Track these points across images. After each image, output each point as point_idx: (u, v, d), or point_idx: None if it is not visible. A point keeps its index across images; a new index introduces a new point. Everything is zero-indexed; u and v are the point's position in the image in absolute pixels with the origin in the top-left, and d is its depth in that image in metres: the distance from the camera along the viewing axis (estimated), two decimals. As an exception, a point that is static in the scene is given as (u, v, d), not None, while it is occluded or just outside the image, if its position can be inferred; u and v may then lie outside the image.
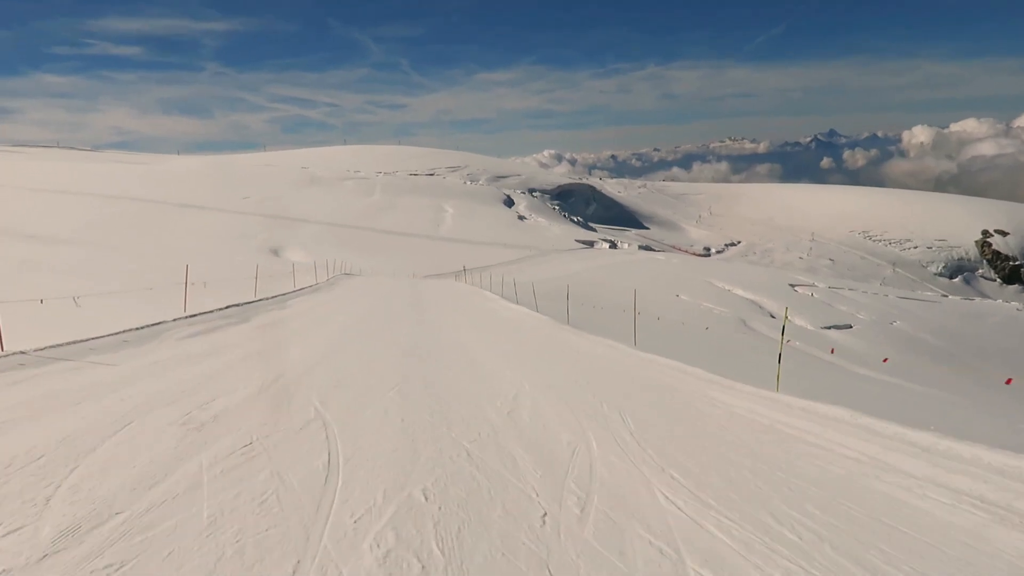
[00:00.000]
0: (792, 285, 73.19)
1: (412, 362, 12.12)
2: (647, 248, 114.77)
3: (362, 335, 16.14)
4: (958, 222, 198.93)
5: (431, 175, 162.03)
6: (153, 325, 13.35)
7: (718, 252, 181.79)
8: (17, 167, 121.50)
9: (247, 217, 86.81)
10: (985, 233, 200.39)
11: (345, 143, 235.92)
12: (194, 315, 16.23)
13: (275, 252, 65.51)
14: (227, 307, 18.83)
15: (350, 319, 19.83)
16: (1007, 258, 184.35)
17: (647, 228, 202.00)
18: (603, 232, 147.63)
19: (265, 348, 12.78)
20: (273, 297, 23.99)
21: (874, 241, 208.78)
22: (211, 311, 17.40)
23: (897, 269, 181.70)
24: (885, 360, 33.86)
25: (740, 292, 64.25)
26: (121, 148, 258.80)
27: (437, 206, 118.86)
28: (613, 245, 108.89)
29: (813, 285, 75.82)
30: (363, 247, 77.21)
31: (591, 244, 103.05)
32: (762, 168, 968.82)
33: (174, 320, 14.47)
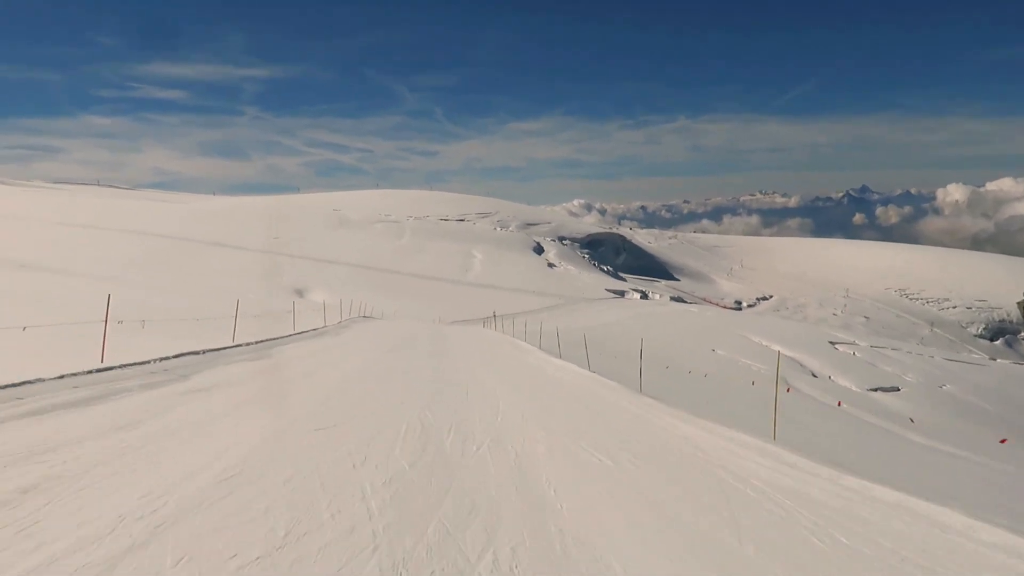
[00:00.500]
0: (832, 343, 70.51)
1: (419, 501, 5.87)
2: (679, 299, 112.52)
3: (346, 418, 9.04)
4: (998, 282, 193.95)
5: (461, 221, 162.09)
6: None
7: (750, 306, 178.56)
8: (58, 203, 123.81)
9: (275, 257, 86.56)
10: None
11: (377, 187, 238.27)
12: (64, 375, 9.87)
13: (299, 292, 64.56)
14: (164, 358, 12.59)
15: (342, 382, 13.26)
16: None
17: (677, 279, 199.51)
18: (633, 282, 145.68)
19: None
20: (257, 343, 18.58)
21: (911, 299, 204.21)
22: (111, 367, 10.93)
23: (935, 329, 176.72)
24: (1003, 441, 29.27)
25: (778, 348, 61.78)
26: (160, 188, 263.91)
27: (466, 251, 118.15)
28: (644, 295, 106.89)
29: (854, 343, 73.00)
30: (391, 290, 76.27)
31: (621, 294, 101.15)
32: (793, 222, 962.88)
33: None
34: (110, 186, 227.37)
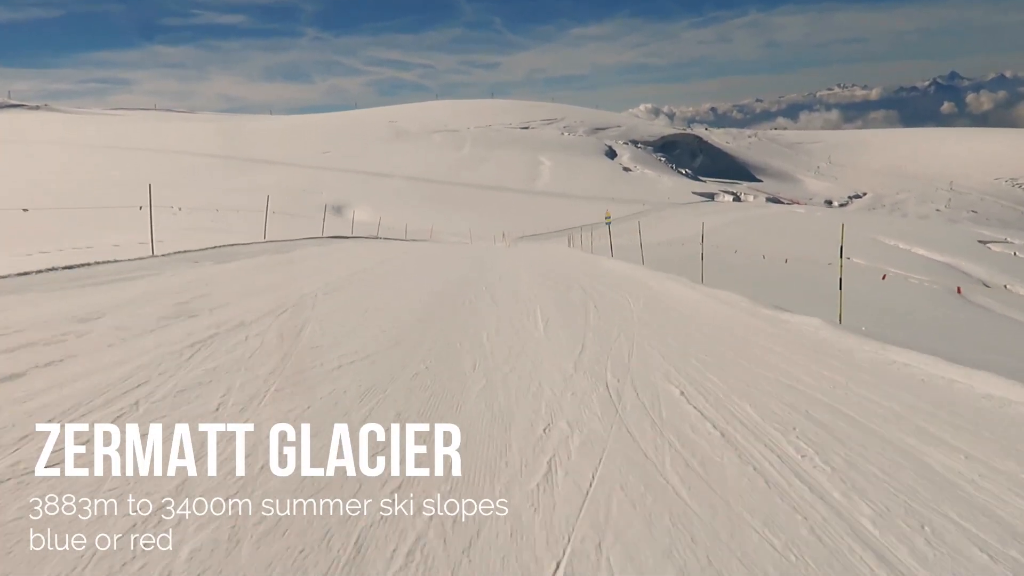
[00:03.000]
0: (983, 242, 58.84)
1: None
2: (775, 200, 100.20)
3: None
4: None
5: (526, 128, 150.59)
6: None
7: (841, 205, 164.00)
8: (129, 127, 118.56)
9: (321, 172, 78.38)
10: None
11: (436, 99, 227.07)
12: None
13: (337, 210, 56.17)
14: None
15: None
16: None
17: (760, 180, 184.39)
18: (715, 185, 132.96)
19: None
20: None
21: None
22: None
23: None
24: None
25: (923, 252, 50.90)
26: (228, 112, 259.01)
27: (533, 159, 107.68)
28: (736, 198, 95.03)
29: (1007, 242, 61.13)
30: (450, 204, 67.29)
31: (711, 196, 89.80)
32: (877, 115, 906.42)
33: None
34: (167, 110, 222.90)
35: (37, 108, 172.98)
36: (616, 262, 17.49)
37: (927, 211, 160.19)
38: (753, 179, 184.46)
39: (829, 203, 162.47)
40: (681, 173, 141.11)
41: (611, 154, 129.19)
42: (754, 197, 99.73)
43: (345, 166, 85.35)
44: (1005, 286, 41.94)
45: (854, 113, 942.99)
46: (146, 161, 76.36)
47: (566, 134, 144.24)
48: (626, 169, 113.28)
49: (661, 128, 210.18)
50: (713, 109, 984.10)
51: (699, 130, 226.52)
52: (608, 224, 23.56)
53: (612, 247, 24.28)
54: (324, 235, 24.69)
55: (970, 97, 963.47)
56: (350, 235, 26.96)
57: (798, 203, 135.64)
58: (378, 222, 35.11)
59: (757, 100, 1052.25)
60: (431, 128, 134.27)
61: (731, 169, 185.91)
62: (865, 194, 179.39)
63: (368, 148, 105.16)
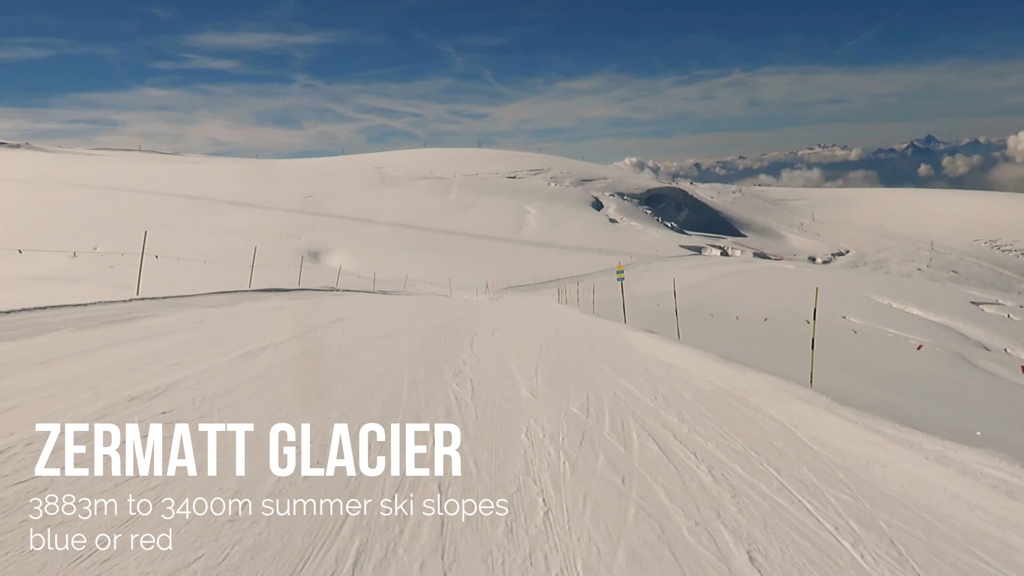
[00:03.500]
0: (975, 303, 57.77)
1: None
2: (762, 255, 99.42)
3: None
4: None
5: (512, 177, 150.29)
6: None
7: (825, 262, 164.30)
8: (109, 167, 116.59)
9: (302, 216, 76.58)
10: None
11: (424, 147, 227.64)
12: None
13: (314, 255, 54.13)
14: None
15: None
16: None
17: (744, 236, 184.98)
18: (700, 239, 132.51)
19: None
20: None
21: (1003, 251, 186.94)
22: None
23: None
24: None
25: (918, 312, 49.71)
26: (215, 155, 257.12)
27: (519, 207, 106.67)
28: (724, 252, 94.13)
29: (998, 303, 60.15)
30: (433, 250, 65.60)
31: (698, 250, 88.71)
32: (856, 175, 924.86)
33: None
34: (152, 151, 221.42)
35: (17, 146, 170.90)
36: (638, 334, 13.54)
37: (909, 270, 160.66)
38: (738, 234, 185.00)
39: (812, 259, 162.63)
40: (667, 226, 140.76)
41: (597, 205, 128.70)
42: (741, 252, 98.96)
43: (327, 211, 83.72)
44: (1005, 350, 40.61)
45: (835, 172, 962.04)
46: (116, 200, 74.25)
47: (553, 184, 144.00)
48: (612, 221, 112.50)
49: (647, 181, 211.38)
50: (697, 164, 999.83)
51: (684, 184, 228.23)
52: (621, 280, 21.46)
53: (624, 308, 22.14)
54: (272, 288, 21.75)
55: (946, 160, 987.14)
56: (296, 288, 23.74)
57: (783, 259, 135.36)
58: (356, 268, 33.38)
59: (740, 157, 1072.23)
60: (417, 175, 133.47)
61: (716, 223, 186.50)
62: (848, 251, 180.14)
63: (352, 193, 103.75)
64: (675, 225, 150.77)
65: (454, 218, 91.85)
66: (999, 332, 45.30)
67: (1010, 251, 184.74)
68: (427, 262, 53.14)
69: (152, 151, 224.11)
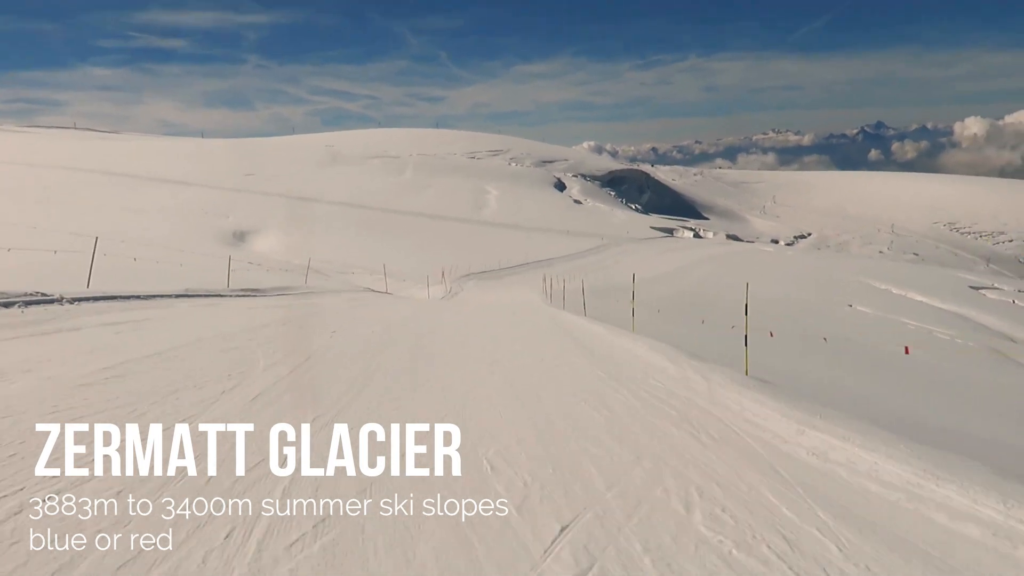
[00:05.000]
0: (974, 288, 53.96)
1: None
2: (735, 238, 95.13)
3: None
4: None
5: (472, 157, 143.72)
6: None
7: (788, 244, 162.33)
8: (38, 145, 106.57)
9: (239, 194, 69.27)
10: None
11: (379, 126, 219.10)
12: None
13: (239, 236, 47.18)
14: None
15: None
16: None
17: (706, 218, 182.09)
18: (671, 221, 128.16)
19: None
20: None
21: (962, 234, 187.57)
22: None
23: (992, 265, 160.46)
24: None
25: (922, 298, 45.42)
26: (162, 136, 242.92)
27: (478, 188, 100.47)
28: (696, 234, 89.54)
29: (995, 288, 56.46)
30: (385, 232, 59.15)
31: (670, 232, 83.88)
32: (810, 159, 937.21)
33: None
34: (88, 129, 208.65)
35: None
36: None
37: (870, 252, 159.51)
38: (700, 217, 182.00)
39: (775, 242, 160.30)
40: (631, 208, 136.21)
41: (560, 186, 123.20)
42: (714, 234, 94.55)
43: (268, 189, 76.45)
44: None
45: (789, 157, 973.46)
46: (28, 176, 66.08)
47: (514, 164, 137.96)
48: (577, 202, 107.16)
49: (608, 163, 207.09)
50: (654, 149, 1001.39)
51: (645, 167, 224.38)
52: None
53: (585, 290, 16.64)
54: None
55: (895, 145, 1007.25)
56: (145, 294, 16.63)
57: (755, 241, 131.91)
58: (287, 251, 27.30)
59: (696, 142, 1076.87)
60: (371, 154, 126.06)
61: (678, 206, 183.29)
62: (810, 234, 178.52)
63: (299, 172, 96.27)
64: (639, 207, 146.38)
65: (409, 198, 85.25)
66: (1012, 319, 41.27)
67: (968, 233, 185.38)
68: (375, 245, 46.57)
69: (89, 129, 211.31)
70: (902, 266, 61.43)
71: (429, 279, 33.53)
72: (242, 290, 15.95)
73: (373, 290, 24.71)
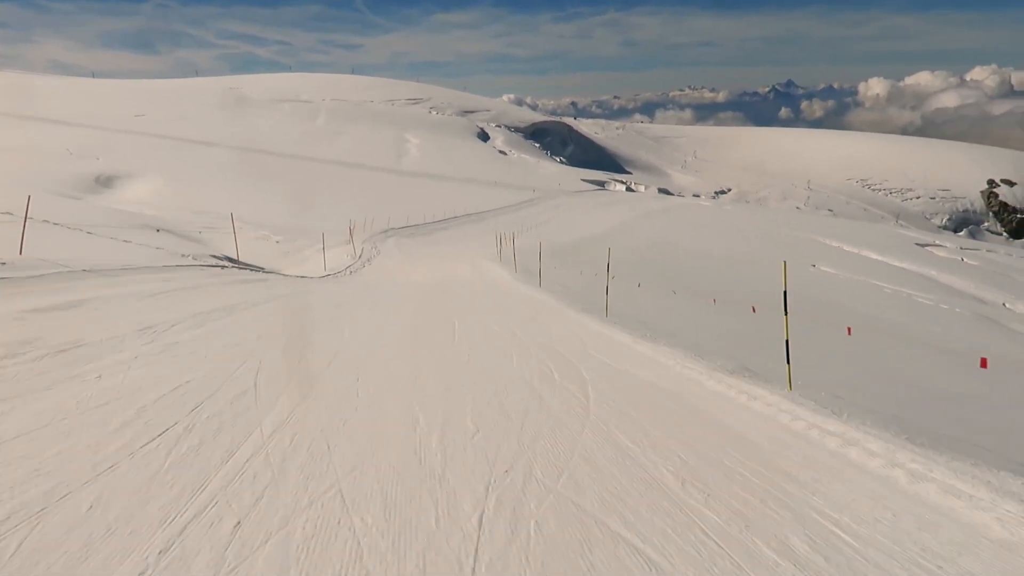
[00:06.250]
0: (920, 244, 52.10)
1: None
2: (666, 192, 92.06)
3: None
4: (961, 171, 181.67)
5: (391, 104, 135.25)
6: None
7: (712, 200, 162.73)
8: None
9: (119, 135, 60.70)
10: (991, 183, 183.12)
11: (291, 71, 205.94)
12: None
13: (106, 181, 39.69)
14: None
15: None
16: (1014, 210, 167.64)
17: (629, 172, 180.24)
18: (599, 174, 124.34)
19: None
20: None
21: (873, 190, 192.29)
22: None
23: (901, 222, 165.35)
24: None
25: (877, 256, 42.89)
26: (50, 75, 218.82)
27: (398, 136, 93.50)
28: (628, 188, 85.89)
29: (937, 244, 54.76)
30: (293, 181, 52.38)
31: (601, 185, 79.83)
32: (725, 116, 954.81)
33: None
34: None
35: None
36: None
37: (788, 207, 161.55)
38: (622, 171, 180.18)
39: (697, 197, 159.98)
40: (556, 161, 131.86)
41: (484, 136, 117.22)
42: (645, 187, 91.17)
43: (158, 131, 67.75)
44: (1004, 304, 34.11)
45: (705, 113, 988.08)
46: None
47: (435, 113, 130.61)
48: (502, 152, 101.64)
49: (531, 115, 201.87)
50: (574, 103, 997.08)
51: (568, 120, 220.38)
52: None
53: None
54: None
55: (804, 104, 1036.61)
56: None
57: (686, 197, 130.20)
58: (165, 201, 21.22)
59: (615, 97, 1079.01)
60: (280, 98, 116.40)
61: (601, 160, 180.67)
62: (730, 189, 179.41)
63: (197, 114, 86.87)
64: (563, 160, 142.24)
65: (321, 146, 77.80)
66: (970, 278, 39.21)
67: (880, 190, 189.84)
68: (275, 197, 39.94)
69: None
70: (842, 222, 59.42)
71: (325, 239, 25.88)
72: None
73: (225, 265, 15.96)
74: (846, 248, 44.73)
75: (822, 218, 63.15)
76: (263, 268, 17.86)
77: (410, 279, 17.47)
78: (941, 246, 54.45)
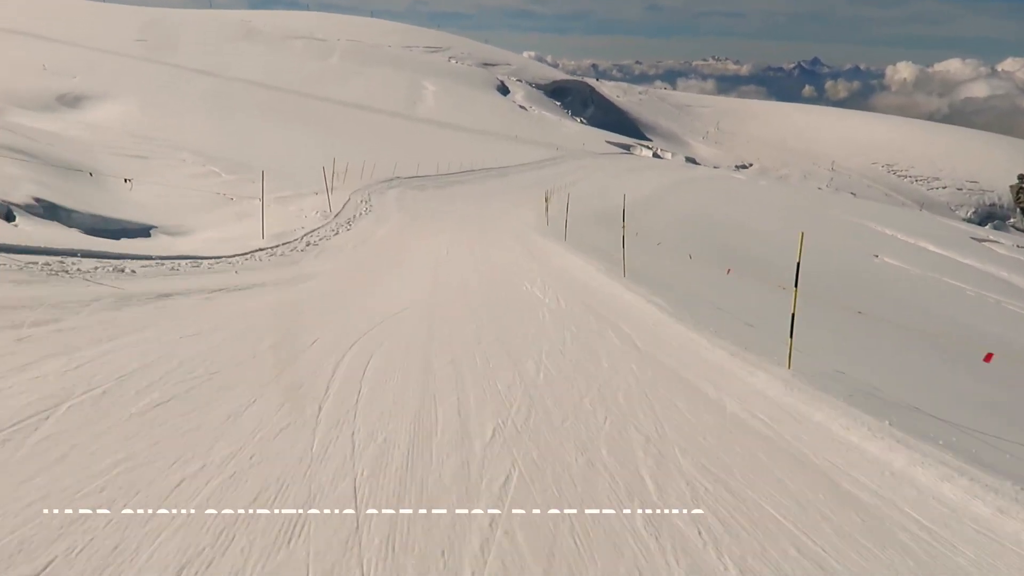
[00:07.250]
0: (976, 239, 47.94)
1: None
2: (692, 160, 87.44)
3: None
4: (991, 163, 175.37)
5: (409, 49, 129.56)
6: None
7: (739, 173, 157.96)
8: None
9: (109, 57, 56.08)
10: (1021, 178, 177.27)
11: (308, 8, 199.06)
12: None
13: (69, 101, 35.26)
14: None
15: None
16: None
17: (649, 140, 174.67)
18: (614, 138, 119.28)
19: None
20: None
21: (899, 176, 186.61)
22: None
23: (924, 211, 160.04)
24: None
25: (935, 249, 38.68)
26: None
27: (414, 82, 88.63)
28: (656, 154, 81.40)
29: (991, 240, 50.61)
30: (298, 119, 48.00)
31: (627, 148, 75.33)
32: (747, 89, 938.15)
33: None
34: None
35: None
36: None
37: (811, 187, 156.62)
38: (643, 137, 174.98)
39: (717, 168, 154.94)
40: (576, 121, 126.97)
41: (504, 90, 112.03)
42: (672, 155, 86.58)
43: (157, 58, 63.05)
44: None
45: (727, 85, 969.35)
46: None
47: (454, 62, 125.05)
48: (522, 107, 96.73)
49: (552, 72, 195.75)
50: (594, 65, 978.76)
51: (590, 80, 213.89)
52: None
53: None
54: None
55: (828, 84, 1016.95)
56: None
57: (716, 168, 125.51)
58: (142, 127, 17.05)
59: (636, 62, 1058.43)
60: (293, 34, 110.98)
61: (622, 124, 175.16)
62: (752, 164, 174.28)
63: (203, 44, 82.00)
64: (584, 121, 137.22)
65: (332, 86, 73.04)
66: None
67: (905, 176, 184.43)
68: (274, 136, 35.50)
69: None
70: (887, 208, 55.11)
71: (291, 185, 20.28)
72: None
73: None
74: (900, 237, 40.57)
75: (868, 202, 58.73)
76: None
77: (409, 279, 10.81)
78: (997, 242, 50.20)
